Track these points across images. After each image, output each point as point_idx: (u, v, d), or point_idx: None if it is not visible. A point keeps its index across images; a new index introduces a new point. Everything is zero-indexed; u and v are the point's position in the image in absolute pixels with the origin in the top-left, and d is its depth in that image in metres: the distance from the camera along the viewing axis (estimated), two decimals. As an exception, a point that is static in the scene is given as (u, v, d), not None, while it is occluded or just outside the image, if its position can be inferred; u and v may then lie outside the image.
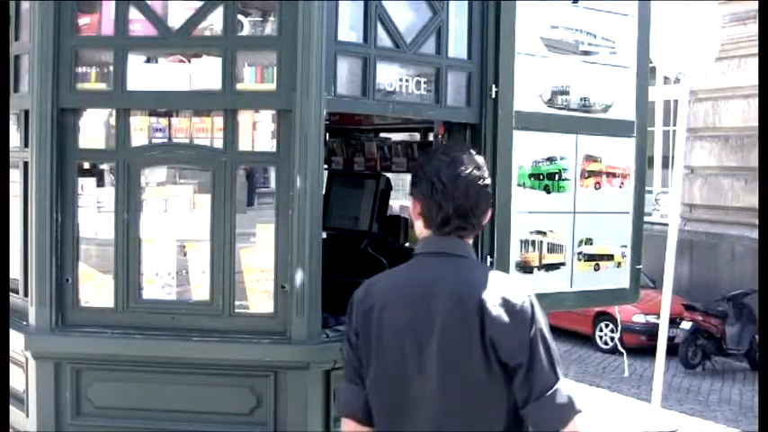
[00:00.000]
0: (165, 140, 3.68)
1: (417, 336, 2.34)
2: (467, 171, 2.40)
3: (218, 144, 3.64)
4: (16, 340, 3.69)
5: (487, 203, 2.47)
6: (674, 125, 12.64)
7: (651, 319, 11.20)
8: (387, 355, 2.38)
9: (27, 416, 3.77)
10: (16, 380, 3.82)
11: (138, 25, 3.67)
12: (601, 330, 12.26)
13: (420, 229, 2.48)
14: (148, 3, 3.67)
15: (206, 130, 3.65)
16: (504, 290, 2.33)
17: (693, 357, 11.01)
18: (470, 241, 2.48)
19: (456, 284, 2.35)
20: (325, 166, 5.32)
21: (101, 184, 3.80)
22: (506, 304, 2.29)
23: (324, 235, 3.92)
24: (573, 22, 4.51)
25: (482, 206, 2.44)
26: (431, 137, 5.32)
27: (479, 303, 2.29)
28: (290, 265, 3.57)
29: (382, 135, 6.01)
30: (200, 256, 3.67)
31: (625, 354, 8.68)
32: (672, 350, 9.54)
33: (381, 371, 2.39)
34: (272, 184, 3.68)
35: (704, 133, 13.63)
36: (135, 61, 3.69)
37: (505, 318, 2.27)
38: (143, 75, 3.68)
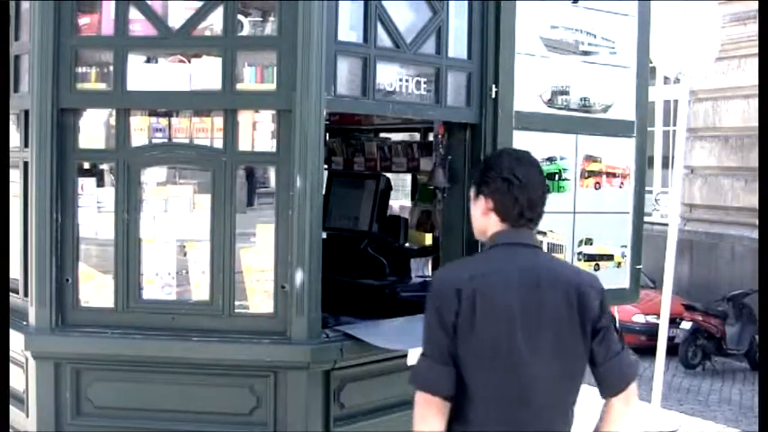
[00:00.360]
0: (165, 140, 3.68)
1: (526, 316, 2.59)
2: (535, 168, 2.76)
3: (218, 144, 3.64)
4: (16, 340, 3.69)
5: (547, 196, 2.79)
6: (674, 125, 12.65)
7: (651, 319, 11.21)
8: (495, 334, 2.58)
9: (27, 416, 3.77)
10: (16, 380, 3.82)
11: (138, 25, 3.67)
12: (601, 330, 12.24)
13: (487, 223, 2.74)
14: (148, 3, 3.67)
15: (206, 130, 3.65)
16: (586, 274, 2.82)
17: (693, 357, 11.01)
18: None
19: (549, 270, 2.70)
20: (325, 166, 5.32)
21: (101, 184, 3.80)
22: (592, 284, 2.69)
23: (324, 235, 3.92)
24: (573, 22, 4.51)
25: (545, 198, 2.76)
26: (431, 137, 5.32)
27: (577, 286, 2.64)
28: (290, 265, 3.57)
29: (382, 135, 6.01)
30: (200, 256, 3.67)
31: None
32: (672, 350, 9.54)
33: (488, 349, 2.59)
34: (272, 184, 3.68)
35: (704, 133, 13.64)
36: (135, 61, 3.69)
37: (596, 294, 2.66)
38: (143, 75, 3.68)
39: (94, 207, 3.72)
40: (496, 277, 2.63)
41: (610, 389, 2.69)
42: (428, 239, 5.42)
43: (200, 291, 3.67)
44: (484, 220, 2.75)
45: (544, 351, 2.60)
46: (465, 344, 2.59)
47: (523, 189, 2.69)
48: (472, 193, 2.82)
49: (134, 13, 3.66)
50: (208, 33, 3.70)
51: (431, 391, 2.62)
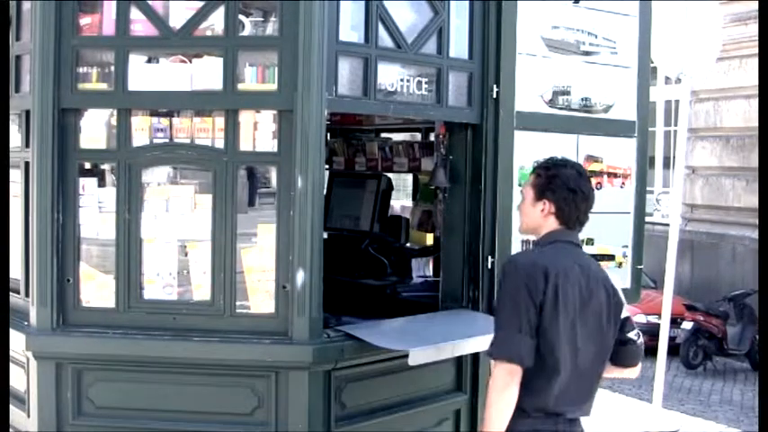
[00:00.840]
0: (167, 140, 3.67)
1: (582, 304, 3.03)
2: (590, 182, 3.23)
3: (220, 144, 3.64)
4: (17, 340, 3.69)
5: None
6: (676, 125, 12.64)
7: (652, 319, 11.17)
8: (567, 312, 2.99)
9: (28, 416, 3.77)
10: (17, 380, 3.82)
11: (140, 25, 3.67)
12: (602, 331, 12.23)
13: (543, 223, 3.16)
14: (149, 3, 3.67)
15: (207, 131, 3.65)
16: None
17: (695, 358, 11.00)
18: None
19: (593, 266, 3.17)
20: (327, 167, 5.32)
21: (102, 184, 3.80)
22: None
23: (325, 235, 3.92)
24: (574, 22, 4.51)
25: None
26: (432, 137, 5.32)
27: (610, 282, 3.16)
28: (291, 265, 3.57)
29: (383, 135, 6.01)
30: (201, 256, 3.67)
31: None
32: (673, 350, 9.54)
33: (567, 330, 2.99)
34: (274, 185, 3.68)
35: (705, 133, 13.63)
36: (136, 61, 3.69)
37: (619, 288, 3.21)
38: (144, 75, 3.68)
39: (96, 207, 3.72)
40: (566, 268, 3.04)
41: (633, 361, 3.23)
42: (429, 239, 5.42)
43: (201, 291, 3.67)
44: (541, 220, 3.17)
45: (591, 335, 3.05)
46: (551, 323, 2.96)
47: (585, 200, 3.16)
48: (531, 193, 3.19)
49: (135, 14, 3.66)
50: (209, 33, 3.70)
51: (519, 362, 2.93)
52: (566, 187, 3.13)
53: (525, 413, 2.97)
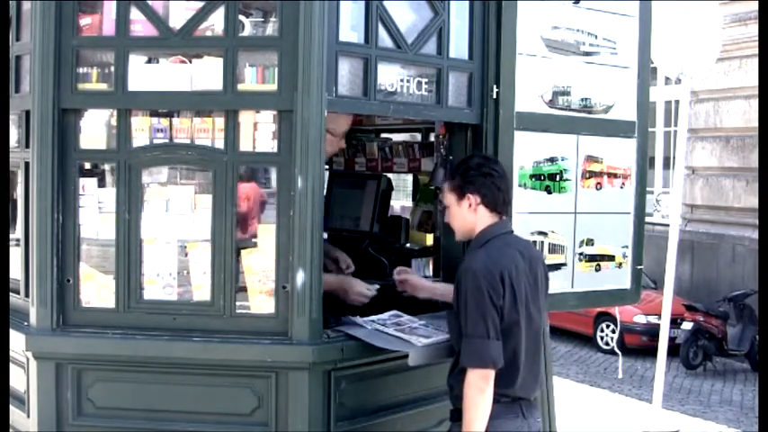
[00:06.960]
0: (167, 141, 3.67)
1: (532, 288, 3.27)
2: (498, 162, 3.43)
3: (220, 144, 3.63)
4: (17, 340, 3.69)
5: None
6: (676, 126, 12.65)
7: (652, 319, 11.22)
8: (525, 306, 3.21)
9: (28, 416, 3.77)
10: (17, 380, 3.82)
11: (140, 26, 3.67)
12: (602, 331, 12.27)
13: (475, 219, 3.33)
14: (149, 3, 3.67)
15: (207, 131, 3.65)
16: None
17: (694, 358, 11.02)
18: None
19: (530, 248, 3.43)
20: (327, 167, 5.32)
21: (102, 184, 3.79)
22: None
23: (325, 235, 3.92)
24: (574, 22, 4.51)
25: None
26: (432, 137, 5.32)
27: (541, 258, 3.48)
28: (291, 265, 3.57)
29: (383, 135, 6.01)
30: (201, 257, 3.67)
31: (620, 354, 8.68)
32: (673, 351, 9.56)
33: (525, 322, 3.21)
34: (274, 185, 3.68)
35: (705, 134, 13.65)
36: (136, 62, 3.69)
37: None
38: (144, 75, 3.68)
39: (96, 207, 3.72)
40: (514, 263, 3.21)
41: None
42: (429, 240, 5.42)
43: (201, 291, 3.67)
44: (472, 217, 3.33)
45: (542, 313, 3.34)
46: (514, 322, 3.16)
47: (502, 178, 3.33)
48: (452, 198, 3.34)
49: (135, 14, 3.65)
50: (209, 34, 3.69)
51: (493, 366, 3.12)
52: (480, 174, 3.29)
53: (494, 400, 3.17)
